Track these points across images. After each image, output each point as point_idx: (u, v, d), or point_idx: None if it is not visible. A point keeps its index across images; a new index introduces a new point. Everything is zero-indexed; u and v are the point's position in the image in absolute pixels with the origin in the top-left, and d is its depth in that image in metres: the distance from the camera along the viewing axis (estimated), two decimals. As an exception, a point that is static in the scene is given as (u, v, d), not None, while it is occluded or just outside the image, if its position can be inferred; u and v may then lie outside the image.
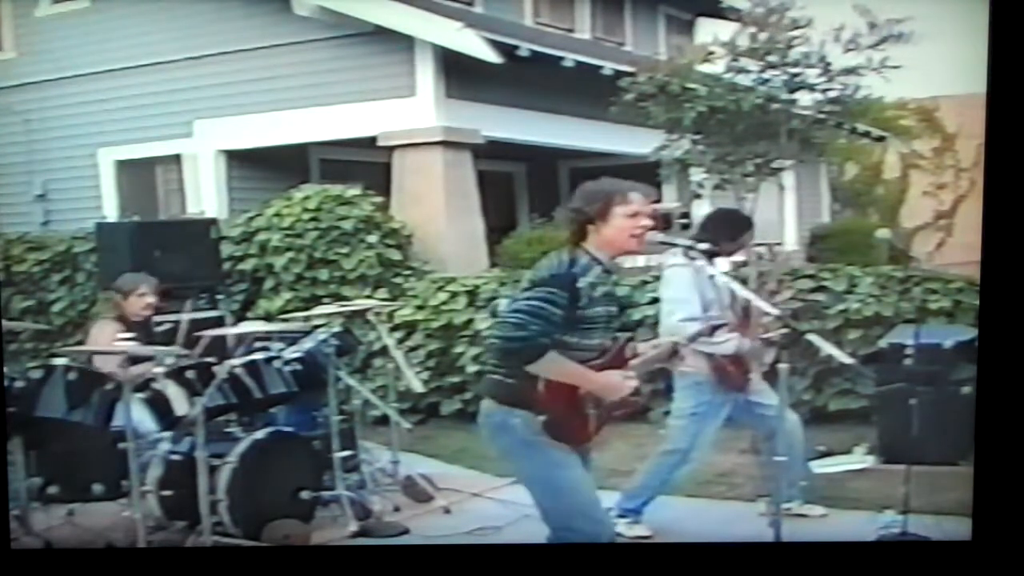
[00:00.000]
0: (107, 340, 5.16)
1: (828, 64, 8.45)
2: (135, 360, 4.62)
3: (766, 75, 8.52)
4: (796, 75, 8.53)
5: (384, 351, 6.14)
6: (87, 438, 4.65)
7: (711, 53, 8.84)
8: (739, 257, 4.96)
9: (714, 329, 4.01)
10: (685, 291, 4.47)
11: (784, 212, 14.02)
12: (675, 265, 4.50)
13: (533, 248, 8.76)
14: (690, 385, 4.71)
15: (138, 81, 10.33)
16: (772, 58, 8.42)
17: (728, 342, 4.56)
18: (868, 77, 8.44)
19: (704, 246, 3.98)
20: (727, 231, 4.78)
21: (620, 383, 3.38)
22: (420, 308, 7.67)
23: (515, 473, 3.67)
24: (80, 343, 5.64)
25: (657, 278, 7.07)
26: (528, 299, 3.25)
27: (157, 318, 5.78)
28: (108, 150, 10.89)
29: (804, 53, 8.43)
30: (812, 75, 8.55)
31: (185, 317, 5.70)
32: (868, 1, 8.24)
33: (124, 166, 10.94)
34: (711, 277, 4.03)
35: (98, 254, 8.14)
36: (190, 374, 4.83)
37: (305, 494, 4.94)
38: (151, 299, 5.48)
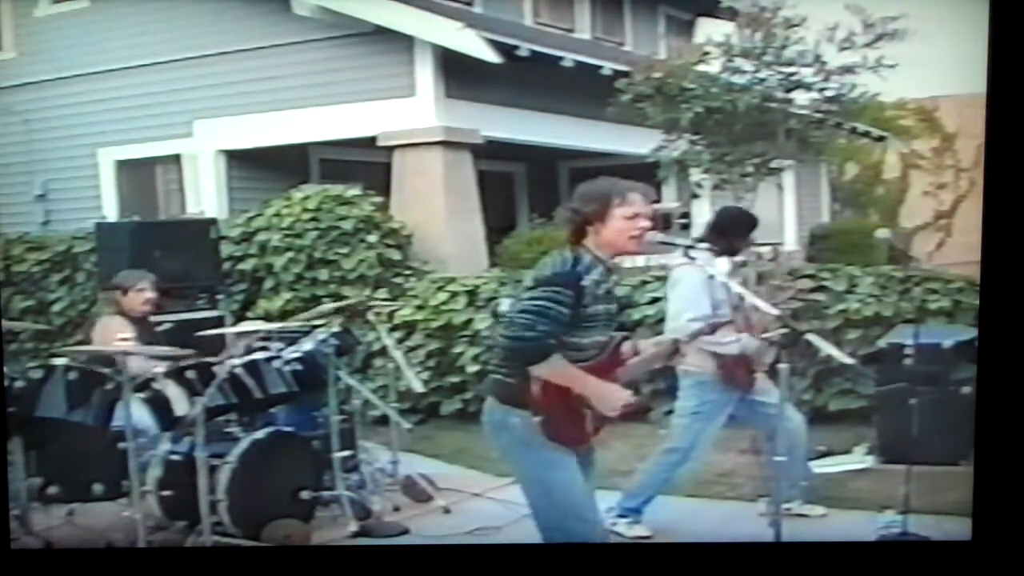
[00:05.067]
0: (113, 336, 5.18)
1: (824, 63, 8.46)
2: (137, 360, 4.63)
3: (761, 75, 8.53)
4: (792, 74, 8.54)
5: (384, 351, 6.14)
6: (87, 438, 4.65)
7: (706, 53, 8.85)
8: (741, 256, 4.95)
9: (715, 328, 4.00)
10: (695, 291, 4.46)
11: (784, 212, 14.03)
12: (684, 265, 4.49)
13: (533, 248, 8.77)
14: (694, 384, 4.72)
15: (138, 81, 10.33)
16: (767, 57, 8.42)
17: (734, 343, 4.56)
18: (865, 76, 8.44)
19: (704, 246, 3.97)
20: (734, 230, 4.79)
21: (616, 396, 3.35)
22: (420, 308, 7.67)
23: (513, 472, 3.67)
24: (81, 343, 5.63)
25: (658, 278, 7.14)
26: (535, 299, 3.24)
27: (157, 318, 5.79)
28: (108, 150, 10.89)
29: (799, 52, 8.43)
30: (808, 74, 8.56)
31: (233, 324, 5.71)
32: (866, 0, 8.25)
33: (124, 166, 10.94)
34: (711, 277, 4.04)
35: (98, 254, 8.14)
36: (190, 374, 4.84)
37: (305, 494, 4.93)
38: (151, 295, 5.50)
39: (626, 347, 3.50)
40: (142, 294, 5.48)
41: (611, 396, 3.35)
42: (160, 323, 5.92)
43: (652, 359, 3.62)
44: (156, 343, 5.19)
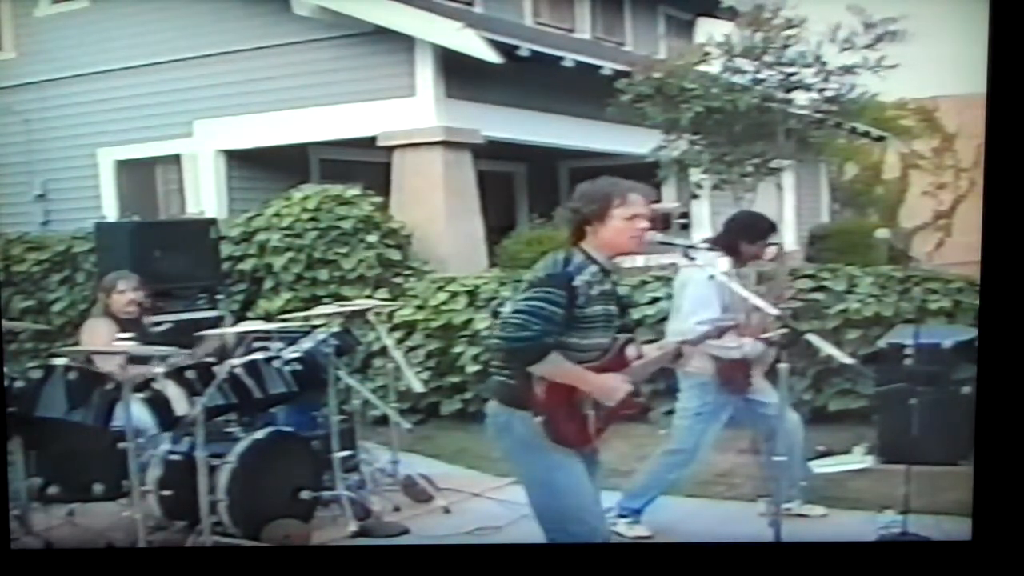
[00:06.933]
0: (100, 337, 5.19)
1: (824, 63, 8.46)
2: (134, 360, 4.62)
3: (762, 75, 8.52)
4: (792, 74, 8.54)
5: (384, 351, 6.14)
6: (87, 438, 4.64)
7: (707, 53, 8.85)
8: (757, 260, 4.91)
9: (722, 332, 3.99)
10: (705, 293, 4.44)
11: (783, 212, 14.02)
12: (692, 267, 4.46)
13: (533, 248, 8.77)
14: (695, 385, 4.71)
15: (138, 81, 10.33)
16: (768, 58, 8.42)
17: (737, 349, 4.55)
18: (866, 76, 8.44)
19: (705, 246, 3.96)
20: (749, 234, 4.76)
21: (615, 386, 3.37)
22: (420, 308, 7.67)
23: (516, 473, 3.67)
24: (77, 343, 5.63)
25: (658, 278, 7.14)
26: (528, 299, 3.26)
27: (156, 318, 5.78)
28: (108, 150, 10.89)
29: (799, 52, 8.43)
30: (808, 74, 8.56)
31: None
32: (866, 0, 8.25)
33: (124, 166, 10.95)
34: (711, 277, 4.03)
35: (98, 254, 8.14)
36: (190, 374, 4.84)
37: (305, 494, 4.94)
38: (132, 296, 5.47)
39: (630, 350, 3.50)
40: (124, 295, 5.47)
41: (610, 387, 3.36)
42: (157, 323, 5.92)
43: (656, 362, 3.62)
44: (149, 343, 5.15)
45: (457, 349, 7.45)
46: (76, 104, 10.74)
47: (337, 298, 7.39)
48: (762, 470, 4.96)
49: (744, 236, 4.74)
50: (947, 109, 17.17)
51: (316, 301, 7.28)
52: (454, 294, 7.68)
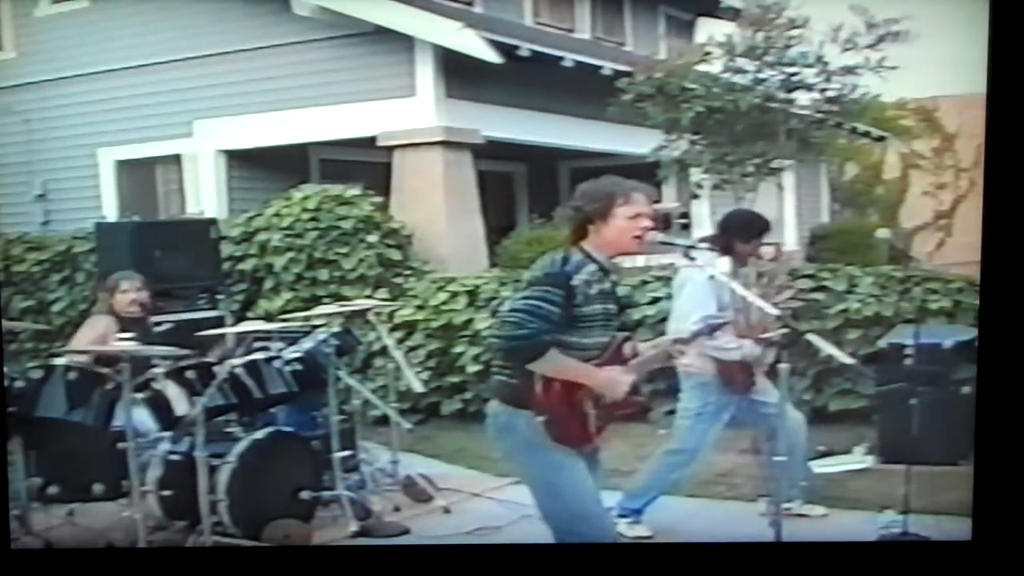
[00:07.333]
0: (97, 333, 5.19)
1: (826, 63, 8.47)
2: (135, 360, 4.62)
3: (763, 75, 8.53)
4: (793, 74, 8.55)
5: (384, 351, 6.14)
6: (87, 438, 4.64)
7: (708, 53, 8.86)
8: (753, 259, 4.90)
9: (713, 329, 3.99)
10: (702, 293, 4.44)
11: (784, 212, 14.04)
12: (692, 266, 4.46)
13: (533, 248, 8.77)
14: (696, 385, 4.71)
15: (138, 81, 10.34)
16: (769, 58, 8.43)
17: (736, 350, 4.55)
18: (867, 77, 8.46)
19: (705, 246, 3.95)
20: (745, 233, 4.75)
21: (619, 379, 3.37)
22: (420, 308, 7.67)
23: (518, 474, 3.67)
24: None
25: (658, 278, 7.14)
26: (525, 298, 3.26)
27: (156, 318, 5.77)
28: (108, 150, 10.90)
29: (801, 52, 8.44)
30: (810, 75, 8.57)
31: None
32: (868, 0, 8.26)
33: (124, 166, 10.95)
34: (711, 278, 4.03)
35: (98, 254, 8.14)
36: (190, 374, 4.83)
37: (305, 494, 4.93)
38: (135, 295, 5.45)
39: (627, 348, 3.50)
40: (126, 295, 5.46)
41: (614, 379, 3.37)
42: (158, 323, 5.91)
43: (651, 360, 3.63)
44: (150, 342, 5.15)
45: (457, 349, 7.45)
46: (76, 104, 10.75)
47: (337, 298, 7.39)
48: (763, 470, 4.96)
49: (739, 234, 4.73)
50: (947, 109, 17.18)
51: (316, 301, 7.27)
52: (454, 294, 7.68)
